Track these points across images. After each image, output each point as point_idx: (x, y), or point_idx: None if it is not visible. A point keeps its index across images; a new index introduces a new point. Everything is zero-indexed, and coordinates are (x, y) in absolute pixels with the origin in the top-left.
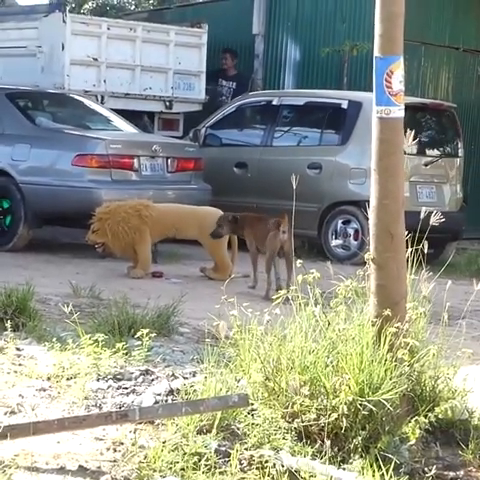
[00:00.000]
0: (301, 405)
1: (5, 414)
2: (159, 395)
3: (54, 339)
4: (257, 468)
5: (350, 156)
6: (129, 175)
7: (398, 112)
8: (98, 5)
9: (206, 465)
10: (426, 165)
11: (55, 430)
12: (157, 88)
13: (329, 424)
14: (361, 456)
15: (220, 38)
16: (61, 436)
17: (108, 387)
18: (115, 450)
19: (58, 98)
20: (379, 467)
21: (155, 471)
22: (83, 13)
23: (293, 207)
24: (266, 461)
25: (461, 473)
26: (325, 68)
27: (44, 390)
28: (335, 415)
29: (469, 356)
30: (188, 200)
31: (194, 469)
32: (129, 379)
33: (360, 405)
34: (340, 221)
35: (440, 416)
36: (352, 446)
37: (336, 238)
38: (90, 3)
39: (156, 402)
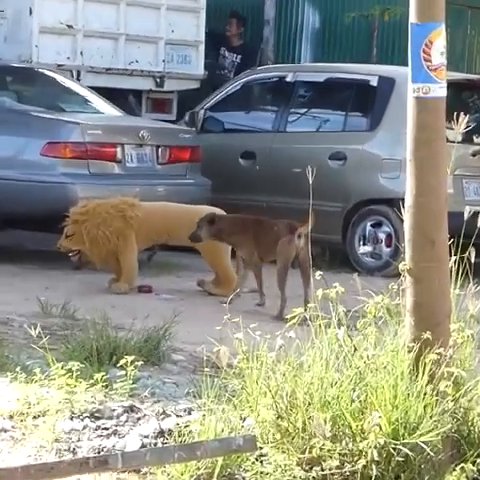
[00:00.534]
0: (321, 449)
1: None
2: (147, 437)
3: (18, 368)
4: None
5: (381, 144)
6: (111, 167)
7: (439, 90)
8: None
9: None
10: (474, 155)
11: None
12: (145, 61)
13: (355, 473)
14: None
15: (223, 0)
16: None
17: (84, 427)
18: None
19: (24, 73)
20: None
21: None
22: None
23: (310, 206)
24: None
25: None
26: (350, 37)
27: (5, 431)
28: (363, 462)
29: None
30: (183, 198)
31: None
32: (110, 418)
33: (393, 449)
34: (369, 224)
35: None
36: None
37: (364, 244)
38: None
39: (143, 446)
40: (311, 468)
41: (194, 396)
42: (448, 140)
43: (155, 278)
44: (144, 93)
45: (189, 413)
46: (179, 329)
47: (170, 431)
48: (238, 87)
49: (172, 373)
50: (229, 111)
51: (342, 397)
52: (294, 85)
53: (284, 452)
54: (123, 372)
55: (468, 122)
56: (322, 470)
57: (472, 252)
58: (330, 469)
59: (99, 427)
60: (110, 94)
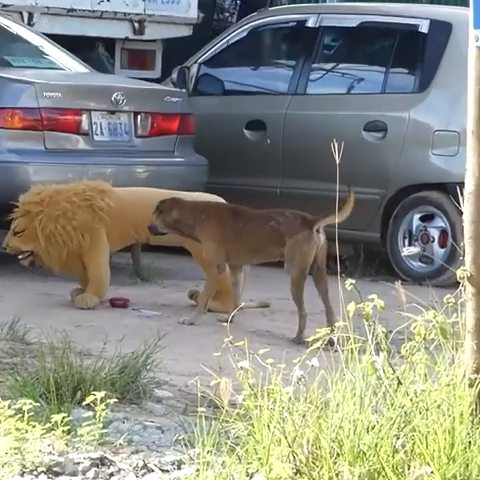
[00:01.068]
0: None
1: None
2: None
3: None
4: None
5: (433, 111)
6: (74, 141)
7: None
8: None
9: None
10: None
11: None
12: (119, 0)
13: None
14: None
15: None
16: None
17: None
18: None
19: None
20: None
21: None
22: None
23: (337, 193)
24: None
25: None
26: None
27: None
28: None
29: None
30: (170, 182)
31: None
32: (73, 474)
33: None
34: (417, 216)
35: None
36: None
37: (410, 244)
38: None
39: None
40: None
41: (185, 445)
42: None
43: (132, 288)
44: (118, 43)
45: (178, 467)
46: (165, 356)
47: None
48: (242, 35)
49: (155, 414)
50: (231, 67)
51: (381, 446)
52: (317, 32)
53: None
54: (90, 413)
55: None
56: None
57: None
58: None
59: None
60: (73, 44)
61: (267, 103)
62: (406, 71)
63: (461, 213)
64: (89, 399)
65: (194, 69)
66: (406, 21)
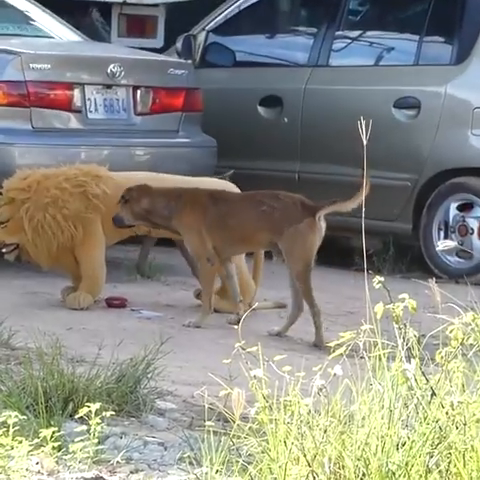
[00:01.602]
0: None
1: None
2: None
3: None
4: None
5: (472, 85)
6: (64, 120)
7: None
8: None
9: None
10: None
11: None
12: None
13: None
14: None
15: None
16: None
17: None
18: None
19: None
20: None
21: None
22: None
23: (365, 179)
24: None
25: None
26: None
27: None
28: None
29: None
30: (174, 165)
31: None
32: None
33: None
34: (454, 206)
35: None
36: None
37: (447, 236)
38: None
39: None
40: None
41: (190, 463)
42: None
43: (132, 286)
44: (115, 7)
45: None
46: (168, 363)
47: None
48: None
49: (157, 429)
50: (243, 35)
51: (413, 464)
52: None
53: None
54: (84, 427)
55: None
56: None
57: None
58: None
59: None
60: (63, 8)
61: (284, 76)
62: (442, 40)
63: None
64: (82, 411)
65: (201, 37)
66: None
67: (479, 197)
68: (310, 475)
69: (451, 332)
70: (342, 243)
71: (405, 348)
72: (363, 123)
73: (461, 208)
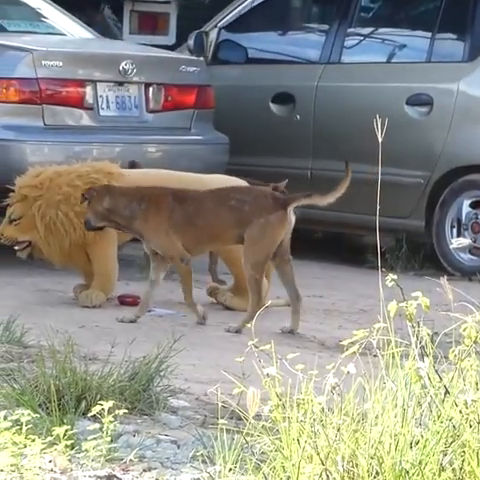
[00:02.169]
0: None
1: None
2: None
3: None
4: None
5: None
6: (76, 117)
7: None
8: None
9: None
10: None
11: None
12: None
13: None
14: None
15: None
16: None
17: None
18: None
19: None
20: None
21: None
22: None
23: (379, 176)
24: None
25: None
26: None
27: None
28: None
29: None
30: (186, 162)
31: None
32: None
33: None
34: (467, 203)
35: None
36: None
37: (460, 233)
38: None
39: None
40: None
41: (204, 461)
42: None
43: (144, 284)
44: (127, 4)
45: None
46: (181, 361)
47: None
48: None
49: (170, 427)
50: (255, 32)
51: (426, 463)
52: None
53: None
54: (97, 425)
55: None
56: None
57: None
58: None
59: None
60: (75, 5)
61: (296, 73)
62: (455, 37)
63: None
64: (95, 410)
65: (213, 34)
66: None
67: None
68: (323, 473)
69: (464, 330)
70: (354, 241)
71: (418, 346)
72: (378, 120)
73: (474, 205)
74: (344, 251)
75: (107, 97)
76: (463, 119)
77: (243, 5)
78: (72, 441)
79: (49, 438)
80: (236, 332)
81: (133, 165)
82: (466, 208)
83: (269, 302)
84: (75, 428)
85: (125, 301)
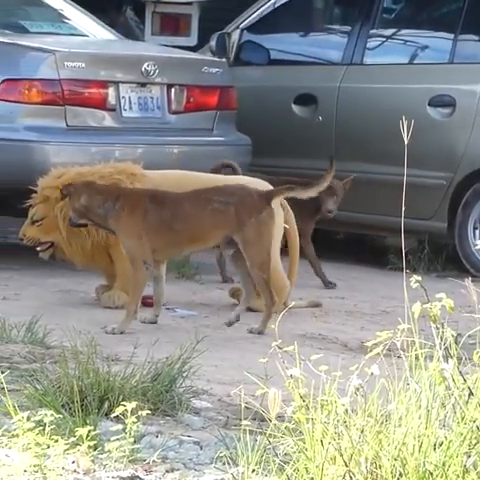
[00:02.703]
0: None
1: None
2: None
3: None
4: None
5: None
6: (99, 118)
7: None
8: None
9: None
10: None
11: None
12: None
13: None
14: None
15: None
16: None
17: None
18: None
19: None
20: None
21: None
22: None
23: (404, 178)
24: None
25: None
26: None
27: None
28: None
29: None
30: (208, 163)
31: None
32: None
33: None
34: None
35: None
36: None
37: None
38: None
39: None
40: None
41: (227, 462)
42: None
43: (167, 285)
44: (149, 5)
45: None
46: (203, 362)
47: None
48: None
49: (193, 428)
50: (277, 33)
51: (450, 465)
52: None
53: None
54: (120, 426)
55: None
56: None
57: None
58: None
59: None
60: (98, 7)
61: (319, 74)
62: (477, 38)
63: None
64: (118, 410)
65: (236, 35)
66: None
67: None
68: (347, 475)
69: None
70: (376, 242)
71: (442, 348)
72: (404, 122)
73: None
74: (366, 252)
75: (129, 98)
76: None
77: (265, 6)
78: (95, 442)
79: (72, 439)
80: (259, 333)
81: (226, 166)
82: None
83: (292, 304)
84: (98, 429)
85: (147, 302)
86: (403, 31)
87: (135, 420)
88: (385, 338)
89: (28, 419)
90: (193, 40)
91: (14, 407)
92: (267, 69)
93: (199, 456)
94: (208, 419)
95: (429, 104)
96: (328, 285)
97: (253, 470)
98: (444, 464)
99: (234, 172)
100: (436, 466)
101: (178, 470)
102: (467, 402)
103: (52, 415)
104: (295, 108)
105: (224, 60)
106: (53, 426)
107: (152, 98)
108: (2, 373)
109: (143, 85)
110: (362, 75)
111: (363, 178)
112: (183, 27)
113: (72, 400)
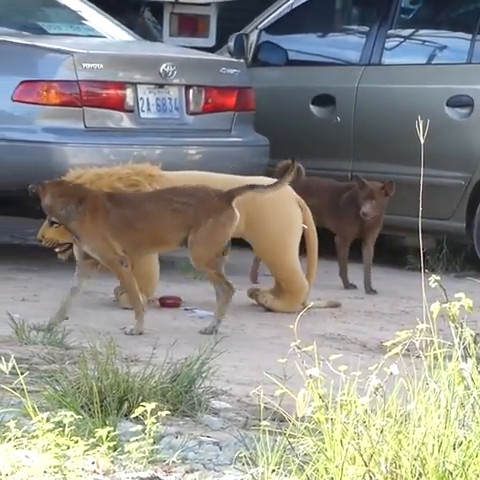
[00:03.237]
0: None
1: None
2: None
3: None
4: None
5: None
6: (117, 119)
7: None
8: None
9: None
10: None
11: None
12: None
13: None
14: None
15: None
16: None
17: None
18: None
19: None
20: None
21: None
22: None
23: (421, 178)
24: None
25: None
26: None
27: None
28: None
29: None
30: (226, 164)
31: None
32: None
33: None
34: None
35: None
36: None
37: None
38: None
39: None
40: None
41: (246, 463)
42: None
43: (185, 286)
44: (167, 6)
45: None
46: (222, 362)
47: None
48: None
49: (212, 428)
50: (295, 33)
51: (470, 464)
52: None
53: None
54: (139, 427)
55: None
56: None
57: None
58: None
59: None
60: (116, 8)
61: (337, 75)
62: None
63: None
64: (137, 411)
65: (254, 36)
66: None
67: None
68: (367, 475)
69: None
70: (394, 242)
71: (461, 347)
72: (420, 122)
73: None
74: (384, 253)
75: (147, 99)
76: None
77: (283, 7)
78: (115, 442)
79: (92, 440)
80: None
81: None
82: None
83: (311, 304)
84: (117, 429)
85: (166, 303)
86: (421, 31)
87: (154, 421)
88: (404, 338)
89: (48, 420)
90: (211, 41)
91: (34, 408)
92: (285, 70)
93: (218, 457)
94: (227, 420)
95: (447, 104)
96: (349, 287)
97: (273, 470)
98: (464, 464)
99: (298, 173)
100: (456, 466)
101: (198, 471)
102: None
103: (72, 416)
104: (313, 109)
105: (242, 61)
106: (73, 427)
107: (170, 99)
108: (22, 374)
109: (161, 86)
110: (380, 75)
111: (382, 178)
112: (201, 28)
113: (91, 401)
